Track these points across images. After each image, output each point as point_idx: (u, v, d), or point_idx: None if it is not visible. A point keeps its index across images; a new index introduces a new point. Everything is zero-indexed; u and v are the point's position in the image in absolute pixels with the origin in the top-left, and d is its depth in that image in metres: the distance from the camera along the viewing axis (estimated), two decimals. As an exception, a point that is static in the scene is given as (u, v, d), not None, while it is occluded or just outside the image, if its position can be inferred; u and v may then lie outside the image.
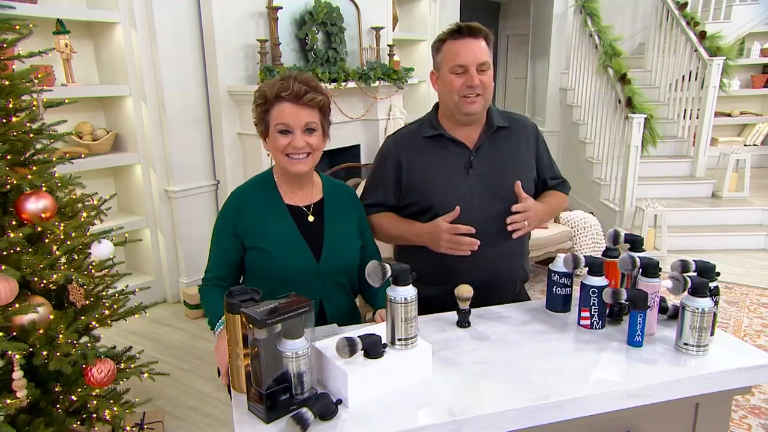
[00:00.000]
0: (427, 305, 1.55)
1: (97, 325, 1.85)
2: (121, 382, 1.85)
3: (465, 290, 1.44)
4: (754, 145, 6.40)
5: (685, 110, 5.28)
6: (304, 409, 1.04)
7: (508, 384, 1.20)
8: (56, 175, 1.76)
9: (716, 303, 1.36)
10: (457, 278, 1.59)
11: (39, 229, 1.63)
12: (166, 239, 3.62)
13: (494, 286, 1.70)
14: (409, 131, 1.78)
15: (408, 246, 1.75)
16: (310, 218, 1.57)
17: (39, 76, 1.77)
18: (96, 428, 1.77)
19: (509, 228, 1.61)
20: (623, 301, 1.32)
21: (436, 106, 1.77)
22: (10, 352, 1.50)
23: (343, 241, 1.59)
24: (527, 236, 1.81)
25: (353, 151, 4.43)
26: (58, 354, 1.62)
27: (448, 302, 1.52)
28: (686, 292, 1.28)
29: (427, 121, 1.74)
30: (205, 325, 3.34)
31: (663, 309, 1.46)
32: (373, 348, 1.15)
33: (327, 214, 1.59)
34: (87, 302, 1.82)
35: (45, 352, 1.62)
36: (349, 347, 1.11)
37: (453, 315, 1.51)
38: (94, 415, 1.75)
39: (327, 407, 1.07)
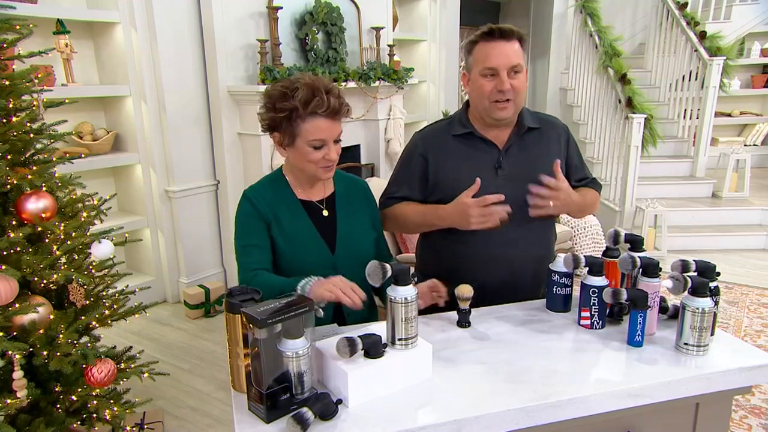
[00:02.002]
0: (448, 304, 1.53)
1: (97, 325, 1.85)
2: (121, 382, 1.85)
3: (465, 290, 1.44)
4: (754, 145, 6.40)
5: (685, 110, 5.28)
6: (305, 409, 1.04)
7: (508, 384, 1.20)
8: (56, 175, 1.76)
9: (716, 303, 1.35)
10: (480, 278, 1.58)
11: (39, 229, 1.63)
12: (166, 239, 3.62)
13: (517, 287, 1.68)
14: (438, 128, 1.75)
15: (431, 244, 1.75)
16: (325, 212, 1.58)
17: (39, 76, 1.77)
18: (96, 428, 1.77)
19: (530, 201, 1.56)
20: (623, 301, 1.32)
21: (467, 104, 1.74)
22: (10, 352, 1.50)
23: (357, 233, 1.60)
24: (553, 238, 1.79)
25: (353, 152, 4.43)
26: (58, 354, 1.62)
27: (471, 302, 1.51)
28: (686, 292, 1.28)
29: (457, 119, 1.72)
30: (205, 325, 3.36)
31: (663, 309, 1.46)
32: (373, 348, 1.16)
33: (339, 207, 1.60)
34: (87, 302, 1.82)
35: (45, 352, 1.62)
36: (349, 347, 1.12)
37: (453, 315, 1.51)
38: (94, 415, 1.76)
39: (327, 407, 1.08)
